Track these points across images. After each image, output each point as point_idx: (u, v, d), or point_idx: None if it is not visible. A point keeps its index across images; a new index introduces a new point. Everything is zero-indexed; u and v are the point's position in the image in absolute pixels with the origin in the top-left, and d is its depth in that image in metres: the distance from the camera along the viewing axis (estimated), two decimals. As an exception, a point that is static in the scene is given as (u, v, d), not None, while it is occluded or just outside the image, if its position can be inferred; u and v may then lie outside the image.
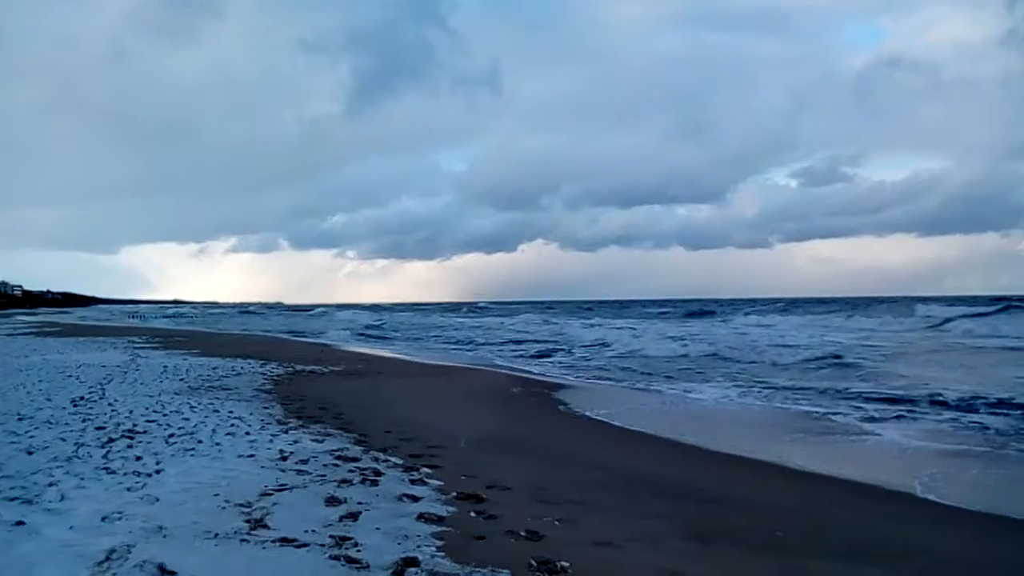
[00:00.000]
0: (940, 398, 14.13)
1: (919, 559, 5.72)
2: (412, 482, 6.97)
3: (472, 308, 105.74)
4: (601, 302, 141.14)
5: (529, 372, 21.38)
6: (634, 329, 39.35)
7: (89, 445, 8.21)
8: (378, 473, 7.23)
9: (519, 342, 34.67)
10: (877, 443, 10.67)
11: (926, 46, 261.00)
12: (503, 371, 21.65)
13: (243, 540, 5.02)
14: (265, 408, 11.82)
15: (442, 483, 6.95)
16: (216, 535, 5.10)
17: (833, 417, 12.69)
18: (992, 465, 9.27)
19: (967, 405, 13.43)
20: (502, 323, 55.01)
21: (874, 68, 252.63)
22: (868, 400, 14.41)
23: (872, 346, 27.16)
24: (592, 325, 46.55)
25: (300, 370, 19.20)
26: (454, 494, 6.54)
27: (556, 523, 5.86)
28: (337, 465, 7.56)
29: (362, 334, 45.75)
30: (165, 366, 18.94)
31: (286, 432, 9.46)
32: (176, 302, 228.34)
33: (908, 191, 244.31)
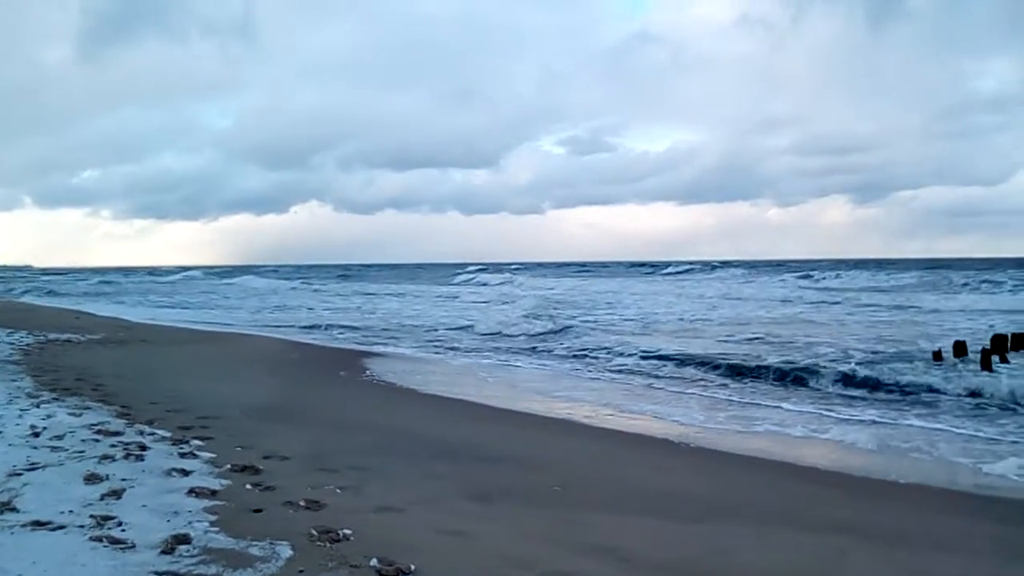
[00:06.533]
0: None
1: (687, 504, 6.11)
2: (182, 455, 6.60)
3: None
4: (381, 266, 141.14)
5: (304, 338, 20.94)
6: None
7: None
8: (143, 447, 6.79)
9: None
10: (630, 393, 11.35)
11: (681, 22, 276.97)
12: (277, 337, 21.07)
13: (-13, 526, 4.54)
14: (13, 380, 10.84)
15: (215, 455, 6.64)
16: (-46, 522, 4.58)
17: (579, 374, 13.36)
18: (732, 411, 10.19)
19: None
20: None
21: (631, 42, 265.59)
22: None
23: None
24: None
25: (53, 339, 17.77)
26: (228, 466, 6.26)
27: (337, 491, 5.76)
28: (97, 440, 7.03)
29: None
30: None
31: (38, 406, 8.70)
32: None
33: (668, 162, 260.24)
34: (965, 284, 40.29)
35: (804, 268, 61.87)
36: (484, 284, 61.73)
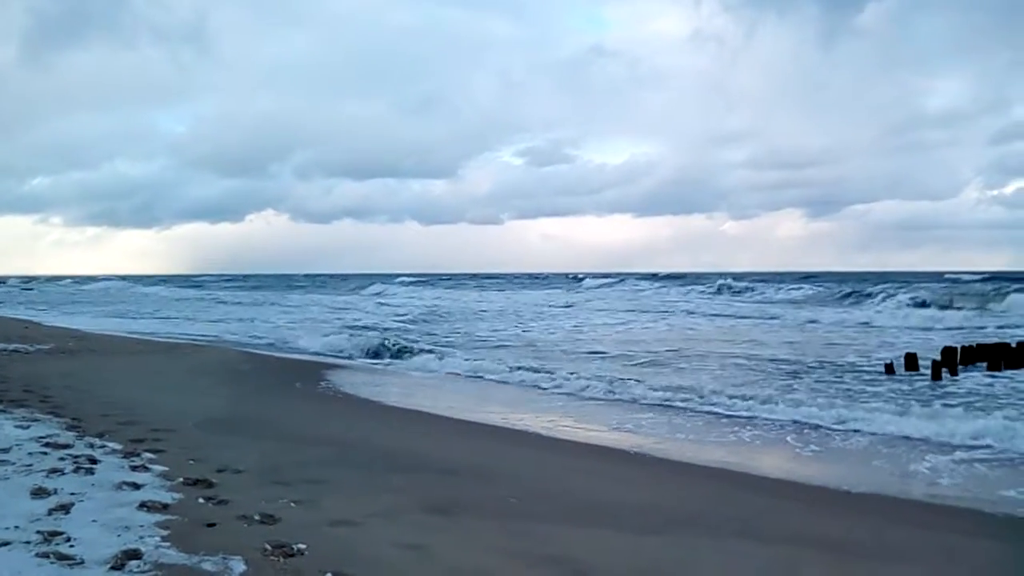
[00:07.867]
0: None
1: (642, 515, 6.13)
2: (133, 468, 6.48)
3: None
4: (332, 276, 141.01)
5: (259, 348, 20.76)
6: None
7: None
8: (94, 460, 6.65)
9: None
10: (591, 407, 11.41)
11: (637, 37, 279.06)
12: (232, 347, 20.83)
13: (-72, 543, 4.41)
14: (-43, 392, 10.54)
15: (167, 468, 6.53)
16: None
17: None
18: (690, 422, 10.27)
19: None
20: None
21: (589, 55, 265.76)
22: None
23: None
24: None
25: (0, 349, 17.34)
26: (181, 480, 6.16)
27: (292, 505, 5.69)
28: (46, 453, 6.87)
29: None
30: None
31: (-17, 418, 8.48)
32: None
33: (625, 174, 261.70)
34: (888, 296, 40.67)
35: (748, 279, 62.36)
36: (392, 295, 64.48)
